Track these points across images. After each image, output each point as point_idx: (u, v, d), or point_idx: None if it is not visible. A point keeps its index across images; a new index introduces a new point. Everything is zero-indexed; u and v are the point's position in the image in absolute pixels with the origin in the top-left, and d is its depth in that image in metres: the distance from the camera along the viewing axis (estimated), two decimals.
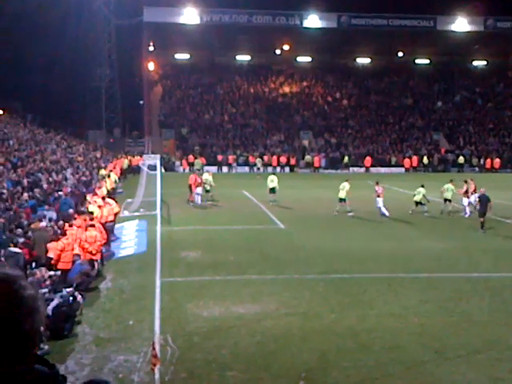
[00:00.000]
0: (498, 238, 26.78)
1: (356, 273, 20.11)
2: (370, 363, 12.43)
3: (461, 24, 76.18)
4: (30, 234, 18.92)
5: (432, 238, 26.57)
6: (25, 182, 27.77)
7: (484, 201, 28.05)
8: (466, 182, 34.08)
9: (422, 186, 33.88)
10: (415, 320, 15.04)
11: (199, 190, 36.50)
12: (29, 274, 15.28)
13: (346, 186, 33.75)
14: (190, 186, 37.01)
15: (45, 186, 28.53)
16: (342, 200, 33.48)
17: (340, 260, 22.03)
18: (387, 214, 32.35)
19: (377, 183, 33.63)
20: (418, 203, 33.64)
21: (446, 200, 33.68)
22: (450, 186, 33.80)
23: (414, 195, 33.88)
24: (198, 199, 36.41)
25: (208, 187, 37.50)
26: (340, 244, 25.12)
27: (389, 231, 28.54)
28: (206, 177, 38.14)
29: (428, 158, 72.39)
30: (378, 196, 33.06)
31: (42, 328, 2.19)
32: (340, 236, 27.19)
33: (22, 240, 17.80)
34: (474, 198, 32.78)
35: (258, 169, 66.14)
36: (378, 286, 18.32)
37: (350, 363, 12.42)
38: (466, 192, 33.52)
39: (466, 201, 33.52)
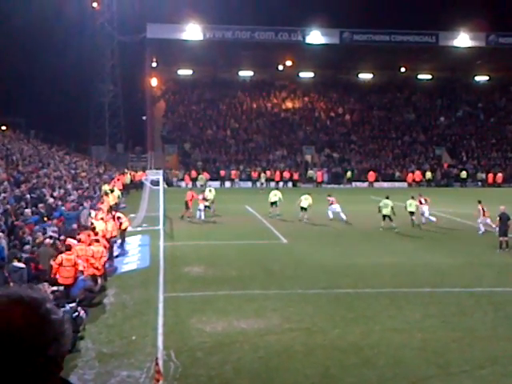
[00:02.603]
0: (502, 253, 26.68)
1: (359, 288, 20.07)
2: (374, 379, 12.39)
3: (463, 39, 76.34)
4: (35, 248, 18.95)
5: (435, 253, 26.51)
6: (28, 197, 27.81)
7: (504, 219, 27.21)
8: (425, 200, 35.85)
9: (387, 198, 34.15)
10: (419, 335, 14.99)
11: (201, 205, 36.43)
12: None
13: (308, 197, 36.25)
14: (187, 203, 36.97)
15: (50, 201, 28.55)
16: (303, 209, 36.28)
17: (343, 275, 21.99)
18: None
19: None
20: (385, 216, 33.43)
21: (410, 213, 34.51)
22: (411, 201, 34.93)
23: (380, 208, 33.78)
24: (202, 215, 36.35)
25: (208, 203, 37.54)
26: (343, 259, 25.07)
27: (392, 246, 28.49)
28: (207, 193, 38.21)
29: (431, 172, 72.43)
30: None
31: (66, 352, 2.18)
32: (343, 251, 27.15)
33: (26, 255, 17.80)
34: (426, 210, 35.43)
35: (262, 184, 65.83)
36: (381, 301, 18.28)
37: (354, 379, 12.38)
38: (423, 203, 35.52)
39: (425, 210, 35.46)
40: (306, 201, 36.14)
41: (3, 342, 1.97)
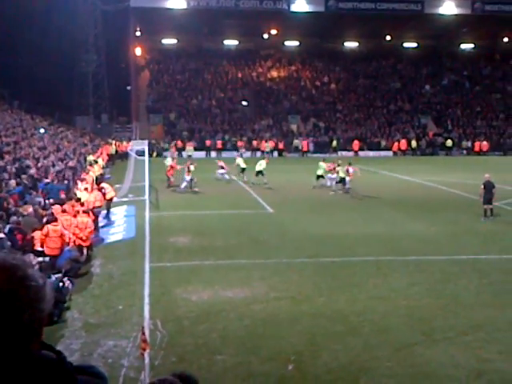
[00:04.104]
0: (487, 221, 26.84)
1: (345, 256, 20.18)
2: (359, 346, 12.49)
3: (448, 7, 75.95)
4: (20, 219, 18.83)
5: (420, 221, 26.64)
6: (12, 168, 27.58)
7: (489, 187, 27.14)
8: (338, 164, 36.77)
9: (324, 161, 38.38)
10: (404, 303, 15.12)
11: (188, 177, 36.19)
12: None
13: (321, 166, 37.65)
14: (167, 173, 37.17)
15: (33, 172, 28.35)
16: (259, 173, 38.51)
17: (329, 244, 22.08)
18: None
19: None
20: (318, 177, 37.22)
21: (318, 176, 37.43)
22: (321, 164, 37.80)
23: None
24: (186, 186, 36.07)
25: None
26: (329, 228, 25.15)
27: (377, 215, 28.57)
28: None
29: (416, 141, 72.60)
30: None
31: (44, 318, 2.14)
32: (329, 220, 27.23)
33: (10, 226, 17.67)
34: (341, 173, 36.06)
35: (267, 153, 63.94)
36: (366, 270, 18.39)
37: (339, 346, 12.47)
38: (334, 169, 36.90)
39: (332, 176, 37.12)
40: (260, 166, 38.69)
41: None
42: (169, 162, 39.05)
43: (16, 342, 1.99)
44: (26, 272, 2.06)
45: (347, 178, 35.41)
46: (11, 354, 1.98)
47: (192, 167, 36.64)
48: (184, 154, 62.18)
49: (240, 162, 41.15)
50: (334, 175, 36.62)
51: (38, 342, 2.10)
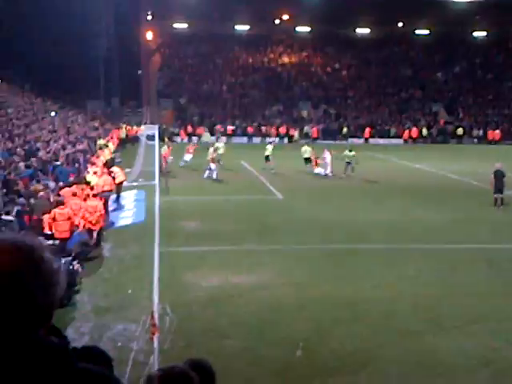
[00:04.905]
0: (497, 210, 26.75)
1: (353, 243, 20.20)
2: (366, 333, 12.54)
3: None
4: (30, 201, 18.91)
5: (430, 209, 26.55)
6: (21, 151, 27.64)
7: (499, 176, 27.05)
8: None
9: (307, 145, 40.41)
10: (411, 290, 15.14)
11: (213, 165, 34.98)
12: None
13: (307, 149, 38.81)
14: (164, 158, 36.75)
15: (41, 154, 28.38)
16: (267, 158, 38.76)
17: (337, 231, 22.09)
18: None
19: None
20: (306, 159, 38.24)
21: (305, 159, 38.44)
22: (306, 148, 39.14)
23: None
24: (214, 174, 34.80)
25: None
26: (337, 215, 25.15)
27: (386, 202, 28.50)
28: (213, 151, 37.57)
29: (427, 129, 72.26)
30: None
31: (56, 302, 2.15)
32: (337, 207, 27.22)
33: (18, 208, 17.75)
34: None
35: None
36: (374, 257, 18.41)
37: (346, 333, 12.52)
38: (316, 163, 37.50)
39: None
40: (266, 151, 39.12)
41: None
42: (164, 150, 38.39)
43: (25, 325, 2.00)
44: (43, 255, 2.07)
45: (325, 162, 36.80)
46: (18, 337, 1.99)
47: (220, 151, 37.55)
48: (195, 139, 61.55)
49: (269, 149, 39.49)
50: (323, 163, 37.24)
51: (48, 326, 2.11)
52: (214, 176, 34.69)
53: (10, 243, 2.05)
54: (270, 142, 42.26)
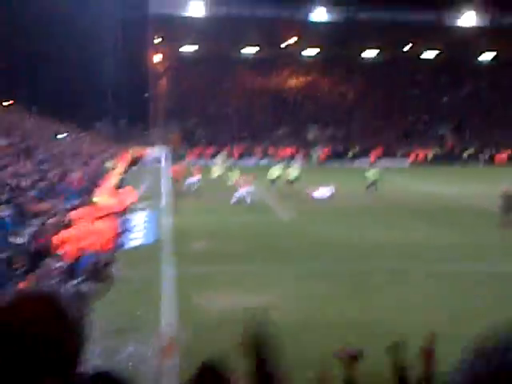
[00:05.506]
0: (506, 232, 26.67)
1: (360, 263, 20.15)
2: (373, 357, 12.43)
3: (468, 18, 75.85)
4: (39, 223, 18.95)
5: (438, 231, 26.50)
6: (30, 172, 27.74)
7: (508, 199, 27.26)
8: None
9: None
10: (420, 313, 15.04)
11: (244, 190, 34.44)
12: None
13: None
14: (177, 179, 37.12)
15: (50, 176, 28.50)
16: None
17: (345, 251, 22.07)
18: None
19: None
20: (273, 181, 39.67)
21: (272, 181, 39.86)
22: (274, 169, 40.65)
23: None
24: (248, 199, 34.30)
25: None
26: (344, 235, 25.16)
27: (393, 221, 28.53)
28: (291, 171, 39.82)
29: (434, 151, 72.34)
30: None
31: (82, 349, 2.19)
32: (344, 227, 27.22)
33: (29, 230, 17.80)
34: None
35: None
36: (381, 277, 18.34)
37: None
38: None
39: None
40: (273, 172, 40.46)
41: (18, 337, 1.99)
42: (178, 171, 38.72)
43: (55, 372, 2.04)
44: (67, 303, 2.12)
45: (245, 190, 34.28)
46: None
47: (249, 179, 35.49)
48: (219, 160, 60.27)
49: (292, 170, 40.12)
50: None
51: (75, 371, 2.14)
52: (248, 200, 33.99)
53: (37, 294, 2.10)
54: (292, 164, 42.97)
